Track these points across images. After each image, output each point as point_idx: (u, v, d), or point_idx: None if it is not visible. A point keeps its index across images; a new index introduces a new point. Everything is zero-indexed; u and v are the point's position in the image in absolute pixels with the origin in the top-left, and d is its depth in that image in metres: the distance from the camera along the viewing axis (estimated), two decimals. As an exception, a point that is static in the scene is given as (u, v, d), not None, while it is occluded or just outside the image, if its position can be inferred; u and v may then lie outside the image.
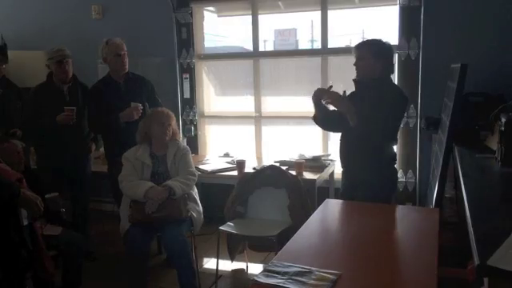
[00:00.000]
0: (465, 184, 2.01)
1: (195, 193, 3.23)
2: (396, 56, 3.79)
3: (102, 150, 3.93)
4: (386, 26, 4.09)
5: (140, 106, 3.39)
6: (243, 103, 4.55)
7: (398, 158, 2.90)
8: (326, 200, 2.68)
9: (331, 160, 3.87)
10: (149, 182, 3.00)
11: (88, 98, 3.58)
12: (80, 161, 3.69)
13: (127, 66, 3.50)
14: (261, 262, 3.45)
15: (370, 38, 2.80)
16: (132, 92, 3.47)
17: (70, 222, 3.17)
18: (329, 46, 4.13)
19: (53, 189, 3.03)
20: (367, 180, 2.60)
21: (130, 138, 3.23)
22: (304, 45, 5.17)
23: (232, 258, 3.37)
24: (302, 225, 2.26)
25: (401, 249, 2.03)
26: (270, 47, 4.68)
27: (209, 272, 3.39)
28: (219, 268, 3.19)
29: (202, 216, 3.18)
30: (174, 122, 3.21)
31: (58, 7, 4.82)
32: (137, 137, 3.18)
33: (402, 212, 2.55)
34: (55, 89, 3.57)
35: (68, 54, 3.56)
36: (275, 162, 3.73)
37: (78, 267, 2.88)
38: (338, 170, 3.80)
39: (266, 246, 3.18)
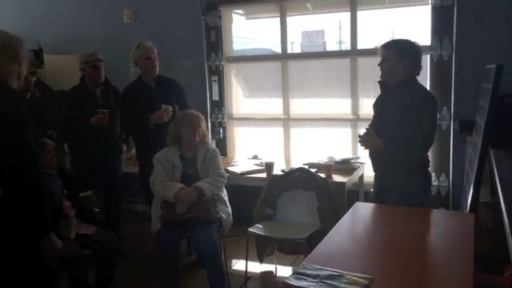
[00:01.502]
0: (502, 189, 1.96)
1: (224, 194, 3.25)
2: (428, 57, 3.73)
3: (133, 151, 4.02)
4: (416, 26, 4.02)
5: (170, 108, 3.44)
6: (271, 105, 4.56)
7: (430, 160, 2.84)
8: (356, 203, 2.66)
9: (361, 163, 3.83)
10: (179, 183, 3.04)
11: (120, 100, 3.66)
12: (112, 161, 3.78)
13: (158, 69, 3.57)
14: (290, 265, 3.44)
15: (398, 37, 2.77)
16: (162, 94, 3.53)
17: (104, 221, 3.24)
18: (358, 48, 4.10)
19: (87, 188, 3.12)
20: (400, 183, 2.57)
21: (160, 140, 3.28)
22: (331, 46, 5.12)
23: (261, 260, 3.38)
24: (331, 228, 2.25)
25: (435, 254, 2.00)
26: (297, 49, 4.67)
27: (238, 273, 3.40)
28: (248, 270, 3.20)
29: (231, 217, 3.20)
30: (203, 124, 3.25)
31: (92, 12, 4.94)
32: (167, 138, 3.23)
33: (435, 216, 2.50)
34: (88, 92, 3.66)
35: (101, 58, 3.66)
36: (304, 164, 3.72)
37: (111, 266, 2.94)
38: (367, 172, 3.77)
39: (295, 249, 3.18)
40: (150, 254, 3.41)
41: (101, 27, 4.87)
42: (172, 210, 2.98)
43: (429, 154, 2.80)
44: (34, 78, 3.60)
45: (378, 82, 2.76)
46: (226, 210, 3.18)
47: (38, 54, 4.72)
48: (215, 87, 4.61)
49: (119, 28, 4.81)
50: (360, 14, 4.07)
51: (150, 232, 3.15)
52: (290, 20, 4.39)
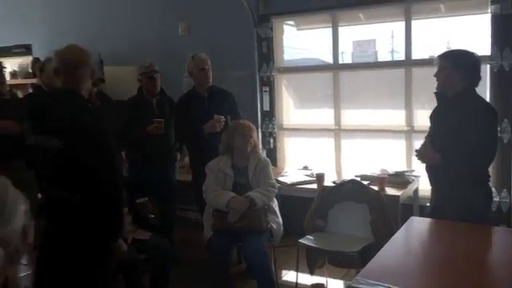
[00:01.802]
0: None
1: (275, 205, 3.27)
2: (488, 67, 3.59)
3: (186, 159, 4.12)
4: (474, 35, 3.89)
5: (222, 118, 3.52)
6: (322, 116, 4.54)
7: (491, 175, 2.72)
8: (412, 217, 2.59)
9: (416, 176, 3.72)
10: (231, 193, 3.09)
11: (174, 110, 3.78)
12: (167, 169, 3.89)
13: (211, 80, 3.66)
14: (341, 278, 3.40)
15: (455, 47, 2.69)
16: (215, 105, 3.62)
17: (158, 227, 3.34)
18: (412, 58, 4.01)
19: (143, 195, 3.23)
20: (459, 198, 2.47)
21: (212, 149, 3.35)
22: (383, 56, 5.04)
23: (311, 272, 3.35)
24: (385, 242, 2.21)
25: (494, 273, 1.92)
26: (347, 59, 4.63)
27: (288, 284, 3.40)
28: (298, 281, 3.19)
29: (282, 228, 3.20)
30: (254, 135, 3.29)
31: (148, 25, 5.14)
32: (219, 148, 3.30)
33: (496, 234, 2.40)
34: (145, 101, 3.80)
35: (157, 69, 3.80)
36: (356, 176, 3.66)
37: (165, 271, 3.02)
38: (422, 186, 3.66)
39: (346, 262, 3.13)
40: (202, 260, 3.47)
41: (157, 40, 5.05)
42: (224, 218, 3.03)
43: (489, 168, 2.69)
44: (96, 89, 3.78)
45: (435, 92, 2.69)
46: (277, 220, 3.19)
47: (99, 67, 4.96)
48: (266, 98, 4.65)
49: (174, 40, 4.97)
50: (414, 23, 3.99)
51: (201, 239, 3.21)
52: (341, 30, 4.37)
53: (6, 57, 5.42)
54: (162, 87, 3.89)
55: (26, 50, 5.86)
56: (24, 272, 2.96)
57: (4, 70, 4.01)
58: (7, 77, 4.51)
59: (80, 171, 2.07)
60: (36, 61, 5.27)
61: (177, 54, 4.60)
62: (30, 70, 5.49)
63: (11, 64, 5.61)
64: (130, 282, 2.83)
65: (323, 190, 3.44)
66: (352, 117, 4.40)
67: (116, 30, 5.28)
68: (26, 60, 5.70)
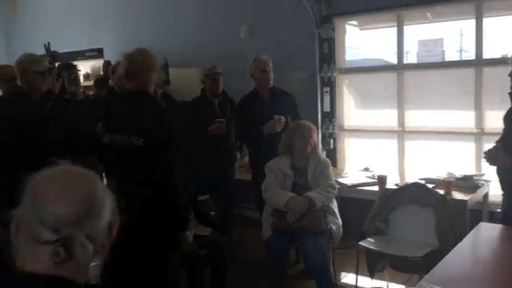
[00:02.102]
0: None
1: (335, 206, 3.23)
2: None
3: (246, 159, 4.18)
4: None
5: (283, 118, 3.54)
6: (385, 117, 4.43)
7: None
8: (481, 223, 2.47)
9: (485, 180, 3.52)
10: (290, 193, 3.10)
11: (236, 110, 3.85)
12: (227, 168, 3.97)
13: (271, 81, 3.70)
14: (403, 283, 3.28)
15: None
16: (275, 105, 3.65)
17: (218, 225, 3.41)
18: (483, 57, 3.81)
19: (204, 192, 3.32)
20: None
21: (272, 149, 3.37)
22: (450, 55, 4.83)
23: (371, 276, 3.28)
24: (450, 248, 2.13)
25: None
26: (411, 59, 4.48)
27: (347, 287, 3.35)
28: (358, 284, 3.13)
29: (341, 229, 3.16)
30: (314, 135, 3.28)
31: (212, 28, 5.25)
32: (279, 148, 3.31)
33: None
34: (208, 102, 3.90)
35: (220, 71, 3.89)
36: (420, 179, 3.53)
37: (224, 267, 3.08)
38: (493, 191, 3.46)
39: (409, 267, 3.03)
40: (260, 259, 3.51)
41: (220, 42, 5.16)
42: (283, 218, 3.04)
43: None
44: (161, 90, 3.94)
45: (509, 93, 2.54)
46: (336, 222, 3.15)
47: (165, 68, 5.15)
48: (327, 98, 4.61)
49: (237, 42, 5.05)
50: (486, 21, 3.79)
51: (260, 238, 3.24)
52: (406, 29, 4.24)
53: (80, 60, 5.80)
54: (225, 89, 3.98)
55: (98, 53, 6.23)
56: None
57: (78, 72, 4.28)
58: (81, 79, 4.80)
59: (156, 167, 2.20)
60: (107, 64, 5.57)
61: (239, 55, 4.68)
62: (102, 73, 5.81)
63: (84, 67, 5.97)
64: (192, 276, 2.92)
65: (385, 192, 3.36)
66: (416, 118, 4.25)
67: (181, 33, 5.45)
68: (98, 63, 6.04)
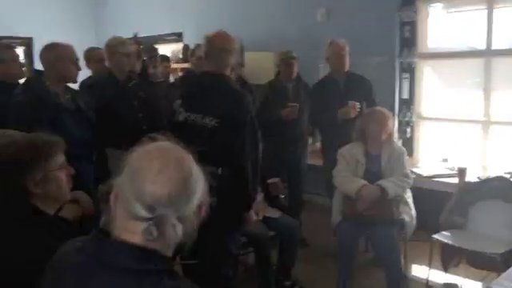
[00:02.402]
0: None
1: (408, 196, 3.12)
2: None
3: (318, 144, 4.15)
4: None
5: (358, 104, 3.46)
6: (468, 106, 4.16)
7: None
8: None
9: None
10: (362, 180, 3.03)
11: (310, 95, 3.82)
12: (298, 152, 3.97)
13: (347, 66, 3.62)
14: (480, 280, 3.11)
15: None
16: (350, 91, 3.58)
17: (287, 207, 3.44)
18: None
19: (274, 175, 3.35)
20: None
21: (345, 135, 3.32)
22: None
23: (445, 270, 3.14)
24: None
25: None
26: (501, 44, 4.13)
27: (418, 280, 3.24)
28: (430, 278, 3.01)
29: (415, 221, 3.05)
30: (390, 122, 3.16)
31: (287, 12, 5.23)
32: (353, 134, 3.25)
33: None
34: (282, 86, 3.91)
35: (294, 55, 3.87)
36: (505, 173, 3.30)
37: (292, 250, 3.11)
38: None
39: (486, 264, 2.87)
40: (328, 245, 3.50)
41: (295, 25, 5.13)
42: (353, 205, 2.99)
43: None
44: (235, 74, 4.01)
45: None
46: (410, 213, 3.04)
47: (239, 52, 5.23)
48: (405, 85, 4.43)
49: (312, 27, 4.99)
50: None
51: (329, 224, 3.22)
52: (496, 12, 3.92)
53: (160, 43, 6.04)
54: (299, 73, 3.96)
55: (177, 37, 6.45)
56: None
57: (158, 56, 4.46)
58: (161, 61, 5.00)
59: (227, 147, 2.28)
60: (186, 47, 5.77)
61: (314, 40, 4.63)
62: (181, 56, 6.02)
63: (164, 50, 6.22)
64: (259, 256, 2.98)
65: (465, 185, 3.18)
66: (505, 108, 3.94)
67: (256, 17, 5.49)
68: (178, 46, 6.26)
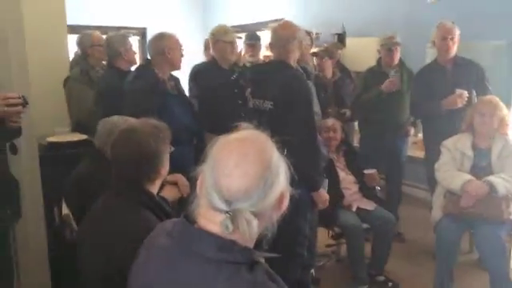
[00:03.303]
0: None
1: (522, 195, 2.82)
2: None
3: (420, 135, 3.93)
4: None
5: (466, 93, 3.18)
6: None
7: None
8: None
9: None
10: (467, 175, 2.81)
11: (413, 81, 3.62)
12: (397, 143, 3.80)
13: (454, 50, 3.33)
14: None
15: None
16: (458, 78, 3.29)
17: (383, 200, 3.33)
18: None
19: (371, 166, 3.26)
20: None
21: (450, 126, 3.09)
22: None
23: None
24: None
25: None
26: None
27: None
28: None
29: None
30: (502, 113, 2.87)
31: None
32: (461, 125, 3.01)
33: None
34: (382, 73, 3.74)
35: (397, 41, 3.68)
36: None
37: (386, 244, 3.02)
38: None
39: None
40: (427, 242, 3.33)
41: (402, 8, 4.86)
42: (456, 202, 2.79)
43: None
44: (332, 60, 3.95)
45: None
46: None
47: (341, 37, 5.12)
48: (527, 72, 3.97)
49: (421, 9, 4.68)
50: None
51: (428, 219, 3.06)
52: None
53: (263, 30, 6.11)
54: (403, 59, 3.76)
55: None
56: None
57: (259, 43, 4.52)
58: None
59: (284, 130, 2.30)
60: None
61: (422, 23, 4.34)
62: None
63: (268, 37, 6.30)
64: (352, 248, 2.94)
65: None
66: None
67: (360, 1, 5.29)
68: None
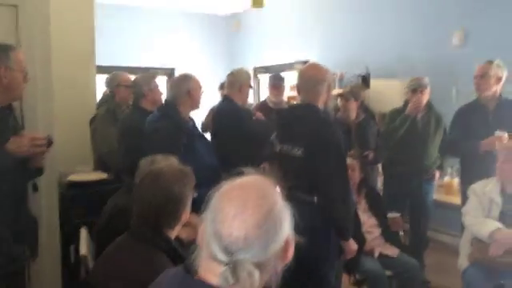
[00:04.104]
0: None
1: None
2: None
3: (446, 178, 3.81)
4: None
5: (505, 135, 3.04)
6: None
7: None
8: None
9: None
10: (496, 222, 2.69)
11: (441, 125, 3.56)
12: (423, 186, 3.68)
13: (492, 89, 3.21)
14: None
15: None
16: (501, 118, 3.16)
17: (407, 246, 3.20)
18: None
19: (395, 210, 3.16)
20: None
21: (486, 169, 2.96)
22: None
23: None
24: None
25: None
26: None
27: None
28: None
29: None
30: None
31: (417, 36, 4.91)
32: (496, 169, 2.89)
33: None
34: (409, 116, 3.63)
35: (424, 83, 3.60)
36: None
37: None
38: None
39: None
40: (455, 290, 3.15)
41: (426, 50, 4.82)
42: (484, 250, 2.66)
43: None
44: (357, 102, 3.93)
45: None
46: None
47: (365, 79, 5.11)
48: None
49: (446, 51, 4.63)
50: None
51: (456, 266, 2.91)
52: None
53: (287, 71, 6.18)
54: (430, 101, 3.69)
55: (303, 64, 6.49)
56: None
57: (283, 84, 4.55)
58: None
59: (315, 178, 2.30)
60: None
61: (448, 65, 4.30)
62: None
63: (292, 78, 6.35)
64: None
65: None
66: None
67: (385, 41, 5.29)
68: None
